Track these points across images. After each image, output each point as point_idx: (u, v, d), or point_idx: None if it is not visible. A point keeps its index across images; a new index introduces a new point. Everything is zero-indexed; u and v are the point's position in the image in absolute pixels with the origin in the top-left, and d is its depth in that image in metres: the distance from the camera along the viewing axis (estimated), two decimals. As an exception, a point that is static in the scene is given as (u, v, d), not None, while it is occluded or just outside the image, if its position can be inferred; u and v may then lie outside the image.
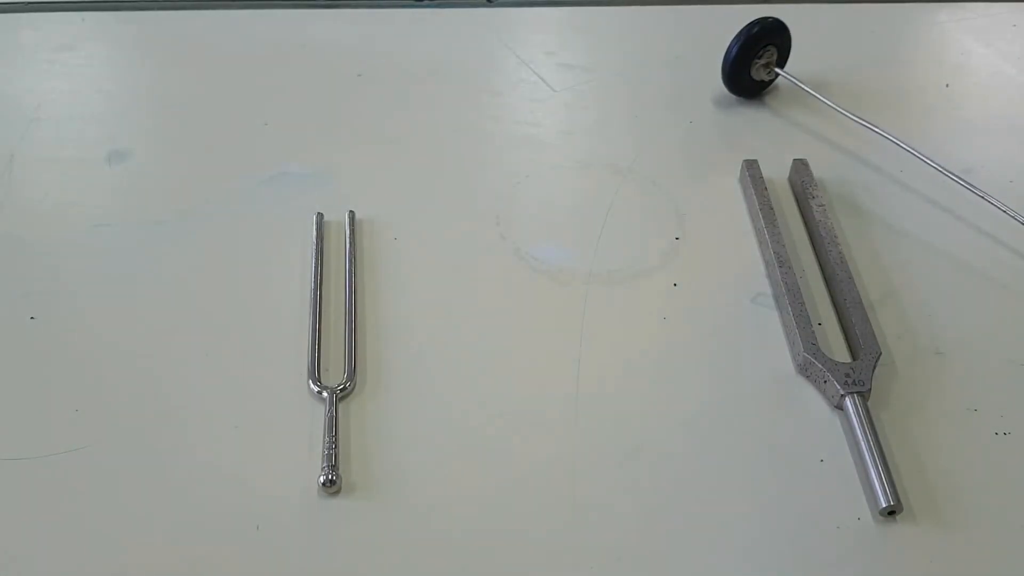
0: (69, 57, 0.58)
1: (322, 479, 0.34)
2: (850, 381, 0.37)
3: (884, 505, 0.33)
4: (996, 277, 0.43)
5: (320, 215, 0.45)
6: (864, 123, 0.49)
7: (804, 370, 0.39)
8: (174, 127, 0.52)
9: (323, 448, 0.35)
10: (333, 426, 0.36)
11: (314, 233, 0.45)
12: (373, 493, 0.35)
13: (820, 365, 0.38)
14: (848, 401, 0.36)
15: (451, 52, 0.58)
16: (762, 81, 0.53)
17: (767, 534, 0.34)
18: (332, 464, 0.35)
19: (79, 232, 0.45)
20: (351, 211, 0.46)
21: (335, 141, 0.51)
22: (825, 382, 0.38)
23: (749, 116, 0.53)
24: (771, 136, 0.52)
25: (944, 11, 0.62)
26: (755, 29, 0.51)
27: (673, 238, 0.45)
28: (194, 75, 0.56)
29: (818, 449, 0.36)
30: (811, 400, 0.38)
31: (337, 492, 0.35)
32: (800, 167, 0.47)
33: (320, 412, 0.37)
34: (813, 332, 0.39)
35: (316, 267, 0.43)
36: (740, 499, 0.35)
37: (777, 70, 0.53)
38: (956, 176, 0.46)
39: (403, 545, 0.33)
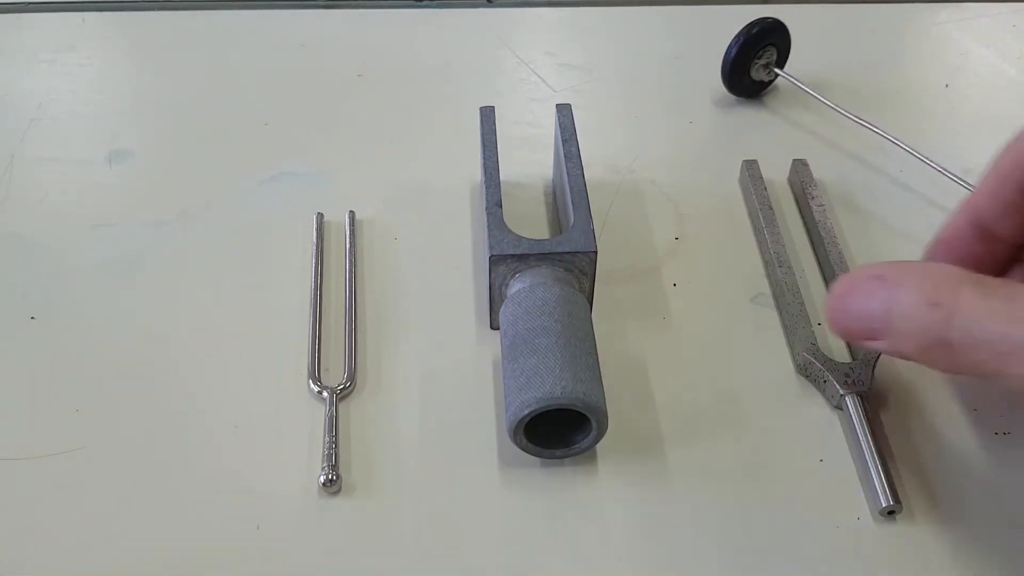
0: (69, 57, 0.58)
1: (322, 479, 0.34)
2: (850, 381, 0.37)
3: (884, 505, 0.33)
4: (996, 277, 0.43)
5: (320, 215, 0.45)
6: (864, 123, 0.49)
7: (804, 370, 0.39)
8: (174, 127, 0.52)
9: (323, 448, 0.35)
10: (333, 426, 0.36)
11: (314, 233, 0.45)
12: (373, 493, 0.35)
13: (820, 365, 0.38)
14: (848, 401, 0.36)
15: (451, 52, 0.58)
16: (762, 81, 0.53)
17: (766, 534, 0.34)
18: (332, 464, 0.35)
19: (79, 232, 0.45)
20: (351, 211, 0.46)
21: (335, 141, 0.51)
22: (825, 382, 0.38)
23: (749, 116, 0.53)
24: (771, 136, 0.52)
25: (944, 11, 0.62)
26: (755, 29, 0.51)
27: (673, 238, 0.45)
28: (194, 75, 0.56)
29: (818, 449, 0.36)
30: (811, 400, 0.38)
31: (337, 492, 0.35)
32: (800, 167, 0.47)
33: (320, 412, 0.37)
34: (813, 332, 0.39)
35: (316, 267, 0.43)
36: (739, 499, 0.35)
37: (777, 70, 0.53)
38: (956, 176, 0.46)
39: (403, 545, 0.33)
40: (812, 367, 0.38)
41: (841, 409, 0.37)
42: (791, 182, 0.48)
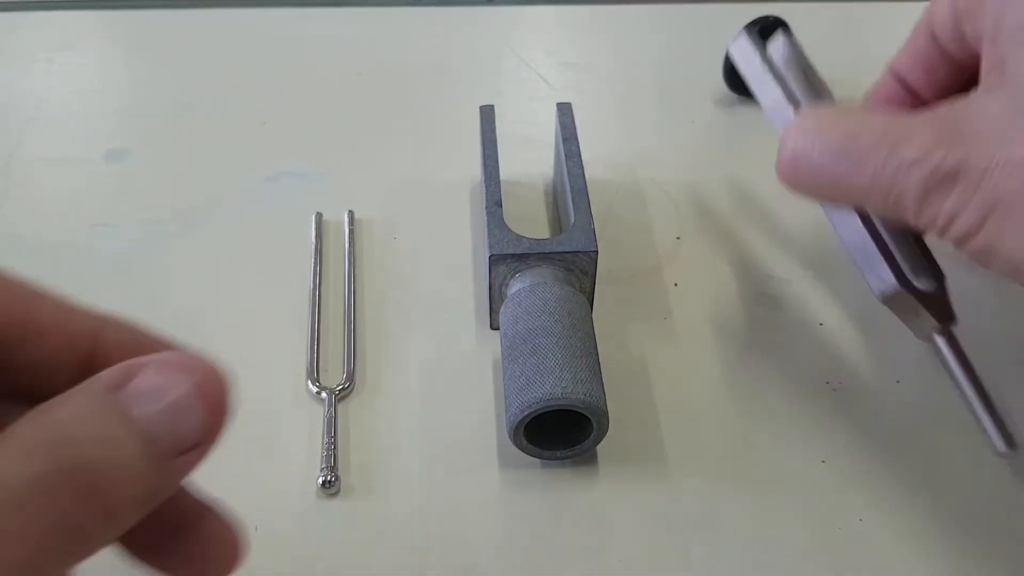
0: (69, 57, 0.58)
1: (321, 480, 0.34)
2: (940, 315, 0.34)
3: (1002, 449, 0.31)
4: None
5: (320, 215, 0.45)
6: (865, 122, 0.49)
7: (892, 300, 0.35)
8: (174, 127, 0.52)
9: (322, 449, 0.35)
10: (332, 427, 0.36)
11: (313, 233, 0.44)
12: (373, 493, 0.35)
13: (912, 296, 0.34)
14: (938, 338, 0.34)
15: (451, 52, 0.58)
16: (763, 80, 0.53)
17: (767, 534, 0.34)
18: (331, 465, 0.35)
19: (79, 232, 0.45)
20: (351, 211, 0.46)
21: (335, 141, 0.51)
22: (917, 315, 0.34)
23: (749, 116, 0.53)
24: (771, 136, 0.51)
25: (945, 10, 0.62)
26: (755, 28, 0.51)
27: (674, 237, 0.45)
28: (194, 75, 0.56)
29: (819, 450, 0.36)
30: (812, 399, 0.38)
31: (336, 493, 0.35)
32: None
33: (319, 413, 0.37)
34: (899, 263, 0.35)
35: (316, 267, 0.43)
36: (740, 499, 0.35)
37: (778, 69, 0.53)
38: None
39: (403, 546, 0.33)
40: (902, 297, 0.34)
41: (930, 343, 0.34)
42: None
